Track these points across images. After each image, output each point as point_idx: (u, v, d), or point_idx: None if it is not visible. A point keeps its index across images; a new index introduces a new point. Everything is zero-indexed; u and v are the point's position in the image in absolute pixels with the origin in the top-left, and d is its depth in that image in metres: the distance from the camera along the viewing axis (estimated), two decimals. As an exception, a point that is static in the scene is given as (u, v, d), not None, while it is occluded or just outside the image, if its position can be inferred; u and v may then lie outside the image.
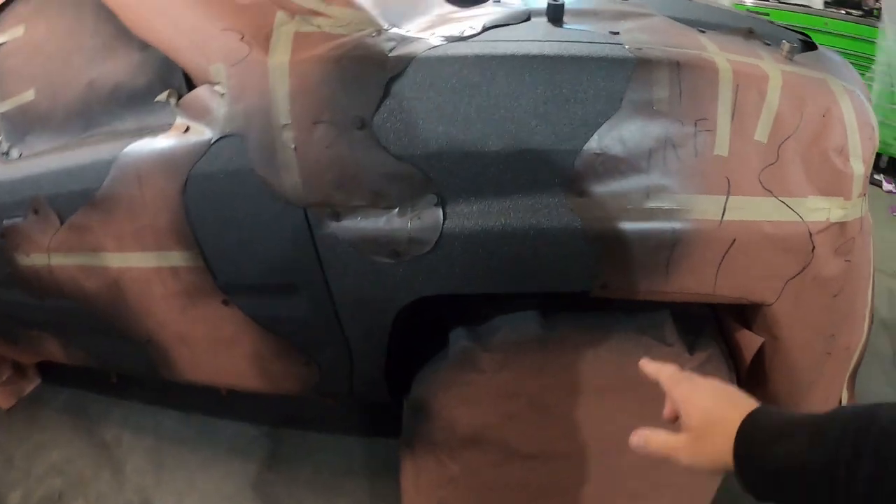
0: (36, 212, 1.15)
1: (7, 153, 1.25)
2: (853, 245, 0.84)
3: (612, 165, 0.78)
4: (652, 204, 0.79)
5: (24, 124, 1.21)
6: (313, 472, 1.54)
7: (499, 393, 0.94)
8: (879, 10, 2.54)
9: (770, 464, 0.43)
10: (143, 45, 0.97)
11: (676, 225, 0.79)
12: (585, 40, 0.82)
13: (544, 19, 0.89)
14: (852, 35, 2.59)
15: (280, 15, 0.85)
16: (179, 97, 0.94)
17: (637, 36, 0.83)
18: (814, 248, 0.81)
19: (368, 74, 0.79)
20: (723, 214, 0.79)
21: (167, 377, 1.39)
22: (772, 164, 0.79)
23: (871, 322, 1.05)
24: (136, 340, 1.27)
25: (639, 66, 0.77)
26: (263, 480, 1.56)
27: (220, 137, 0.88)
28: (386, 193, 0.82)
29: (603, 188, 0.78)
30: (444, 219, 0.81)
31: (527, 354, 0.90)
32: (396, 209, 0.83)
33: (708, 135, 0.78)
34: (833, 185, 0.82)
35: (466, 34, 0.83)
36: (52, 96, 1.15)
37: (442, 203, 0.81)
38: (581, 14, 0.91)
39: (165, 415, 1.89)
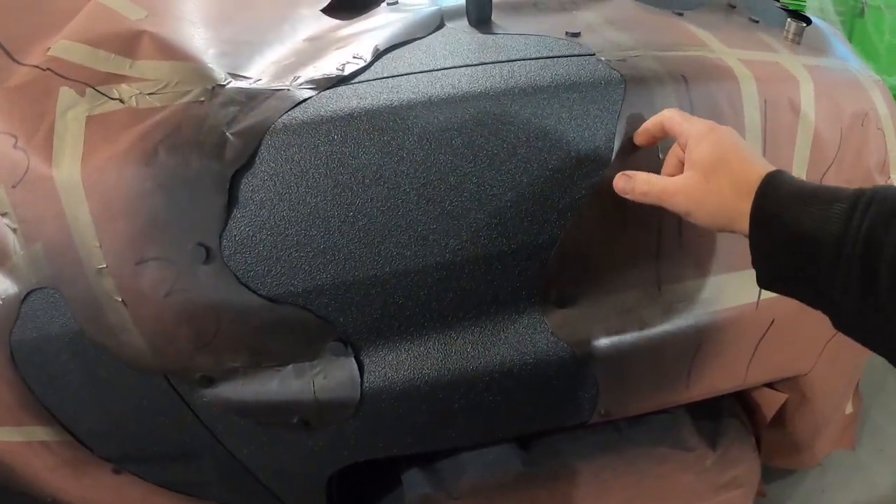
0: None
1: None
2: None
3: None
4: (665, 299, 0.55)
5: None
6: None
7: None
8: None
9: (795, 226, 0.35)
10: None
11: (700, 321, 0.56)
12: (536, 55, 0.54)
13: (464, 23, 0.60)
14: None
15: (65, 94, 0.54)
16: None
17: (610, 36, 0.56)
18: None
19: (201, 174, 0.51)
20: (759, 294, 0.57)
21: None
22: None
23: None
24: (41, 500, 1.04)
25: (631, 91, 0.52)
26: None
27: (29, 292, 0.58)
28: (267, 348, 0.53)
29: (591, 291, 0.55)
30: (362, 372, 0.51)
31: (507, 497, 0.68)
32: (290, 366, 0.53)
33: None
34: None
35: (349, 70, 0.53)
36: None
37: (355, 350, 0.51)
38: (515, 8, 0.62)
39: None
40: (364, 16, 0.66)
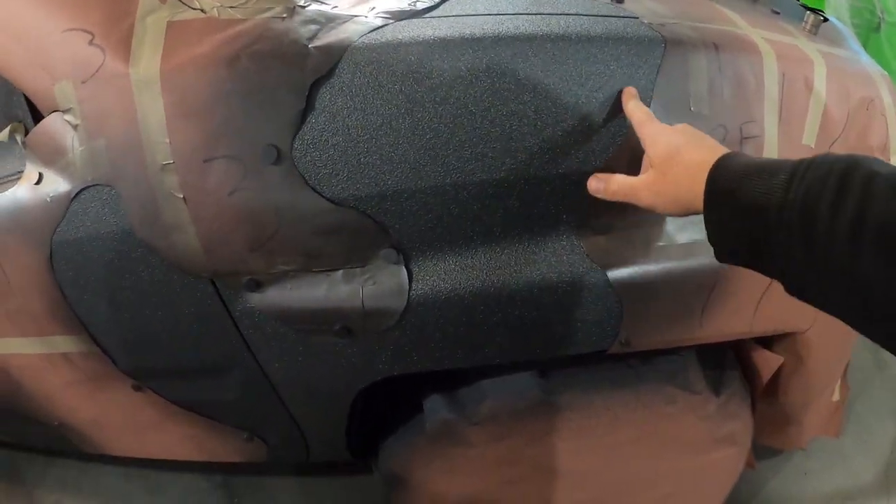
0: None
1: None
2: None
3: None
4: (688, 238, 0.61)
5: None
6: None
7: (495, 462, 0.78)
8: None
9: (743, 199, 0.38)
10: None
11: (714, 265, 0.59)
12: (585, 12, 0.60)
13: None
14: None
15: (141, 8, 0.55)
16: (27, 132, 0.65)
17: (650, 6, 0.63)
18: None
19: (280, 80, 0.55)
20: None
21: (92, 452, 1.14)
22: None
23: None
24: (46, 424, 1.01)
25: (669, 51, 0.58)
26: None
27: (82, 189, 0.59)
28: (322, 252, 0.56)
29: (626, 224, 0.60)
30: (411, 280, 0.55)
31: (525, 424, 0.74)
32: (340, 272, 0.56)
33: (754, 141, 0.61)
34: None
35: (419, 6, 0.59)
36: None
37: (405, 259, 0.55)
38: None
39: (105, 472, 1.65)
40: None
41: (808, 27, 0.72)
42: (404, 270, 0.59)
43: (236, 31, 0.56)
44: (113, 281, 0.66)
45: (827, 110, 0.64)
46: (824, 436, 1.10)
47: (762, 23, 0.69)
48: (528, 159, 0.57)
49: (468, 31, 0.56)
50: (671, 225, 0.61)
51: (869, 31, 1.40)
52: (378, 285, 0.60)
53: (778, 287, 0.67)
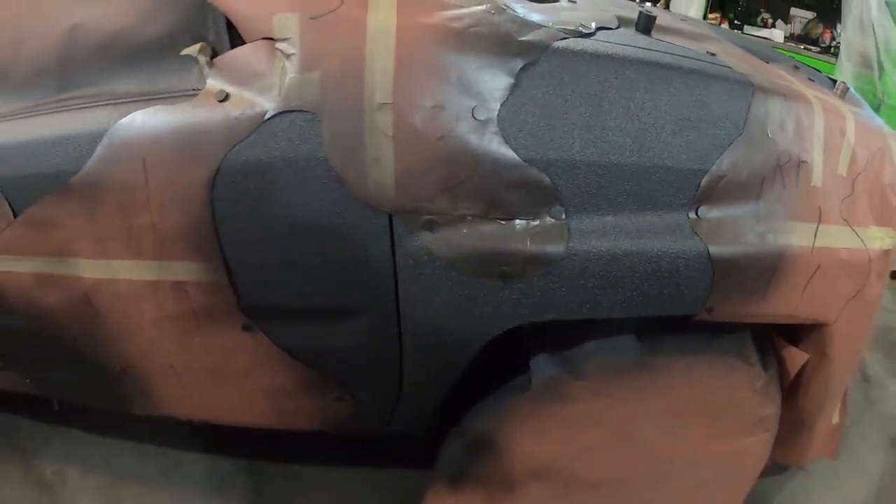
0: None
1: None
2: (888, 270, 0.93)
3: (732, 189, 0.77)
4: (761, 229, 0.78)
5: None
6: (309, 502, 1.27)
7: (584, 422, 0.87)
8: (837, 46, 2.72)
9: None
10: None
11: (779, 250, 0.79)
12: (697, 60, 0.80)
13: (632, 29, 0.85)
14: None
15: None
16: (214, 54, 0.67)
17: (735, 62, 0.84)
18: (870, 272, 0.89)
19: (501, 59, 0.69)
20: (814, 241, 0.81)
21: (140, 411, 1.08)
22: (848, 196, 0.86)
23: None
24: (105, 369, 0.95)
25: (756, 94, 0.78)
26: (250, 513, 1.27)
27: (280, 112, 0.63)
28: (504, 202, 0.65)
29: (721, 212, 0.76)
30: (569, 237, 0.62)
31: (624, 380, 0.84)
32: (515, 221, 0.62)
33: (806, 166, 0.81)
34: (886, 216, 0.91)
35: (587, 29, 0.77)
36: (13, 46, 0.84)
37: (567, 215, 0.63)
38: (664, 29, 0.89)
39: (117, 447, 1.53)
40: (552, 3, 0.89)
41: (838, 92, 0.98)
42: (566, 227, 0.69)
43: (461, 12, 0.70)
44: (279, 208, 0.69)
45: (854, 152, 0.87)
46: (823, 457, 1.25)
47: (807, 84, 0.93)
48: (661, 150, 0.72)
49: (623, 53, 0.74)
50: (749, 217, 0.77)
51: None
52: (543, 236, 0.70)
53: (817, 281, 0.83)
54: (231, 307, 0.79)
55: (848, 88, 0.99)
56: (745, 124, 0.74)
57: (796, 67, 1.03)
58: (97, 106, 0.76)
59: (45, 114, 0.80)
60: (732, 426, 0.91)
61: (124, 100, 0.74)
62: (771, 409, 0.93)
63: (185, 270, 0.77)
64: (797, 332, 0.94)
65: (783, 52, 2.86)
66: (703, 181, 0.73)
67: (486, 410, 0.88)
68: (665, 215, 0.73)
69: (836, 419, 1.19)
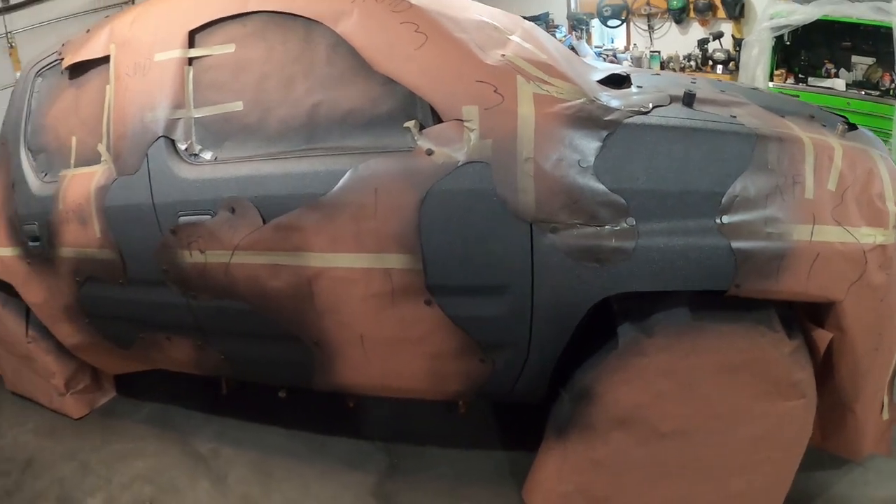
0: (232, 210, 1.55)
1: (197, 155, 1.64)
2: (891, 263, 1.40)
3: (744, 203, 1.32)
4: (769, 230, 1.33)
5: (224, 131, 1.63)
6: (434, 481, 1.86)
7: (656, 373, 1.41)
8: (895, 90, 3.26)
9: None
10: (386, 81, 1.40)
11: (784, 244, 1.32)
12: (720, 121, 1.38)
13: (680, 104, 1.46)
14: (872, 113, 3.41)
15: (520, 78, 1.33)
16: (422, 126, 1.38)
17: (749, 120, 1.42)
18: (866, 261, 1.37)
19: (594, 130, 1.32)
20: (811, 236, 1.34)
21: (317, 383, 1.74)
22: (839, 204, 1.37)
23: None
24: (302, 342, 1.62)
25: (758, 141, 1.35)
26: (384, 490, 1.86)
27: (467, 163, 1.31)
28: (598, 215, 1.29)
29: (738, 218, 1.32)
30: (638, 236, 1.26)
31: (681, 339, 1.38)
32: (605, 227, 1.26)
33: (800, 185, 1.35)
34: (876, 219, 1.39)
35: (647, 110, 1.38)
36: (265, 111, 1.58)
37: (636, 223, 1.25)
38: (701, 101, 1.49)
39: (267, 431, 2.19)
40: (625, 88, 1.55)
41: (838, 132, 1.50)
42: (636, 230, 1.30)
43: (569, 104, 1.34)
44: (463, 218, 1.35)
45: (842, 173, 1.38)
46: (877, 453, 1.63)
47: (808, 128, 1.46)
48: (690, 181, 1.31)
49: (667, 122, 1.34)
50: (759, 222, 1.30)
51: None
52: (622, 236, 1.30)
53: (820, 264, 1.38)
54: (420, 286, 1.42)
55: (849, 129, 1.52)
56: (749, 161, 1.30)
57: (812, 117, 1.57)
58: (336, 155, 1.46)
59: (295, 158, 1.50)
60: (770, 387, 1.38)
61: (357, 152, 1.44)
62: (802, 374, 1.39)
63: (393, 260, 1.43)
64: (822, 320, 1.42)
65: (845, 99, 3.47)
66: (724, 199, 1.29)
67: (587, 368, 1.45)
68: (699, 221, 1.30)
69: (885, 415, 1.57)
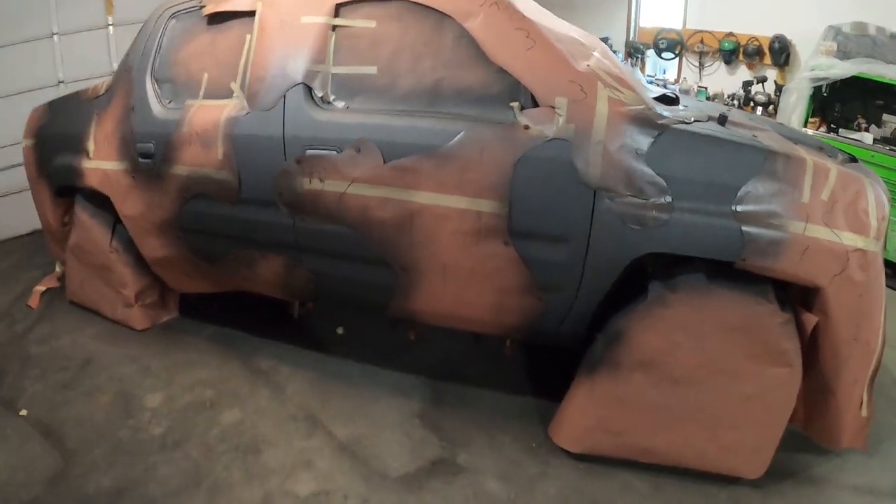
0: (358, 150, 2.21)
1: (330, 102, 2.31)
2: (869, 266, 2.01)
3: (754, 198, 1.97)
4: (771, 220, 1.97)
5: (357, 88, 2.31)
6: (472, 415, 2.47)
7: (674, 324, 2.04)
8: (921, 149, 3.98)
9: None
10: (499, 70, 2.06)
11: (782, 233, 1.96)
12: (744, 139, 2.06)
13: (715, 122, 2.15)
14: (894, 168, 4.04)
15: (599, 83, 2.01)
16: (521, 108, 2.03)
17: (767, 140, 2.10)
18: (848, 259, 1.99)
19: (649, 129, 1.99)
20: (804, 231, 1.97)
21: (393, 307, 2.40)
22: (829, 211, 2.01)
23: (884, 343, 2.06)
24: (391, 268, 2.24)
25: (770, 155, 2.01)
26: (428, 414, 2.48)
27: (554, 138, 1.97)
28: (644, 190, 1.97)
29: (748, 208, 1.97)
30: (672, 210, 1.91)
31: (696, 297, 2.03)
32: (650, 200, 1.91)
33: (799, 191, 2.00)
34: (859, 228, 2.01)
35: (688, 121, 2.06)
36: (394, 77, 2.26)
37: (672, 201, 1.92)
38: (731, 122, 2.19)
39: (323, 358, 2.81)
40: (675, 105, 2.27)
41: (839, 161, 2.18)
42: (671, 204, 1.94)
43: (633, 108, 2.02)
44: (545, 179, 2.00)
45: (834, 188, 2.02)
46: (854, 447, 2.09)
47: (814, 154, 2.13)
48: (716, 174, 1.96)
49: (704, 132, 2.02)
50: (765, 214, 1.93)
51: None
52: (660, 208, 1.95)
53: (810, 254, 2.11)
54: (502, 229, 2.06)
55: (849, 160, 2.19)
56: (761, 169, 1.94)
57: (821, 149, 2.25)
58: (453, 119, 2.11)
59: (418, 116, 2.16)
60: (762, 350, 1.98)
61: (469, 119, 2.08)
62: (789, 344, 1.99)
63: (485, 205, 2.06)
64: (810, 307, 2.03)
65: (870, 152, 4.19)
66: (739, 192, 1.91)
67: (621, 315, 2.08)
68: (718, 206, 1.92)
69: (864, 412, 2.04)
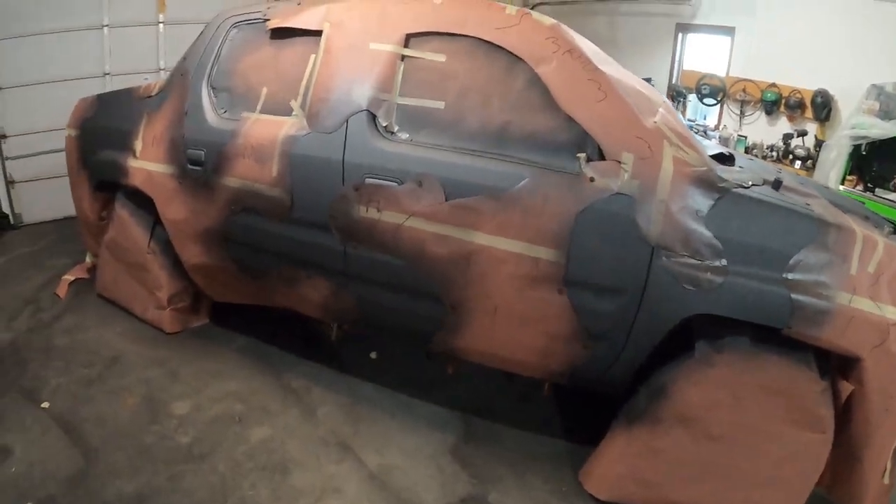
0: (420, 184, 2.25)
1: (394, 133, 2.36)
2: None
3: (805, 267, 2.03)
4: (820, 290, 2.03)
5: (422, 121, 2.36)
6: (502, 453, 2.51)
7: (717, 383, 2.10)
8: (955, 213, 4.03)
9: None
10: (567, 119, 2.11)
11: (829, 304, 2.02)
12: (799, 207, 2.12)
13: (770, 186, 2.21)
14: None
15: (665, 142, 2.06)
16: (588, 159, 2.06)
17: (820, 209, 2.17)
18: (888, 333, 2.05)
19: (710, 192, 2.07)
20: (850, 302, 2.04)
21: (437, 341, 2.41)
22: (874, 283, 2.07)
23: None
24: (440, 302, 2.27)
25: (823, 225, 2.08)
26: (460, 449, 2.52)
27: (618, 193, 2.00)
28: (701, 251, 2.03)
29: (799, 277, 2.03)
30: (727, 273, 1.98)
31: (741, 359, 2.08)
32: (706, 261, 1.96)
33: (848, 263, 2.06)
34: None
35: (746, 185, 2.13)
36: (461, 114, 2.32)
37: (727, 264, 1.99)
38: (785, 187, 2.25)
39: (356, 382, 2.84)
40: (732, 166, 2.35)
41: (885, 232, 2.26)
42: (726, 267, 2.00)
43: (696, 169, 2.08)
44: (606, 231, 2.06)
45: (881, 261, 2.09)
46: None
47: (862, 224, 2.20)
48: (775, 244, 2.01)
49: (761, 198, 2.08)
50: (814, 284, 1.99)
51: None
52: (715, 271, 2.01)
53: (853, 325, 2.19)
54: (558, 277, 2.11)
55: (892, 232, 2.26)
56: (814, 239, 2.00)
57: (867, 218, 2.33)
58: (518, 163, 2.17)
59: (484, 157, 2.22)
60: (799, 415, 2.04)
61: (534, 165, 2.14)
62: (825, 412, 2.05)
63: (543, 252, 2.11)
64: (847, 375, 2.08)
65: (904, 212, 4.25)
66: (791, 260, 1.98)
67: (666, 370, 2.14)
68: (770, 273, 1.99)
69: (886, 479, 2.10)
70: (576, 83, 2.15)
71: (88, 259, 3.64)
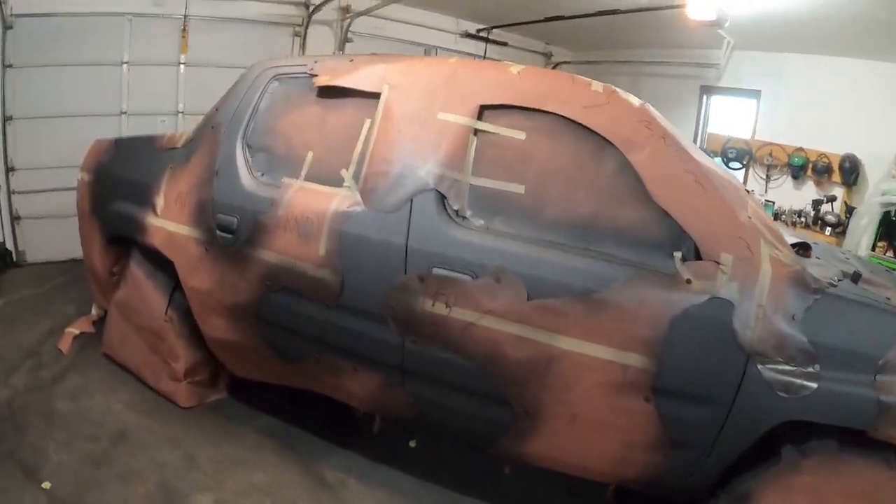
0: (497, 280, 2.06)
1: (466, 218, 2.16)
2: None
3: (892, 369, 1.90)
4: None
5: (498, 206, 2.17)
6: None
7: (802, 488, 1.96)
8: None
9: None
10: (662, 213, 1.95)
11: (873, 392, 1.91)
12: (885, 305, 2.02)
13: (849, 280, 2.12)
14: None
15: (762, 240, 1.95)
16: (684, 259, 1.90)
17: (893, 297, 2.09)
18: None
19: (806, 294, 1.95)
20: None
21: (502, 447, 2.18)
22: None
23: None
24: (510, 407, 2.06)
25: None
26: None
27: (715, 297, 1.84)
28: (795, 357, 1.91)
29: (887, 379, 1.90)
30: (821, 379, 1.88)
31: (826, 463, 1.95)
32: (799, 368, 1.86)
33: None
34: None
35: (834, 283, 2.03)
36: (542, 201, 2.14)
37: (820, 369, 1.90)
38: (864, 280, 2.15)
39: (395, 475, 2.59)
40: (812, 258, 2.23)
41: None
42: (819, 372, 1.87)
43: (792, 269, 1.97)
44: (699, 339, 1.90)
45: None
46: None
47: None
48: (857, 343, 1.90)
49: (847, 296, 1.97)
50: None
51: None
52: (808, 376, 1.87)
53: None
54: (646, 385, 1.96)
55: None
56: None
57: None
58: (608, 261, 2.01)
59: (570, 253, 2.04)
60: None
61: (626, 264, 1.99)
62: None
63: (633, 359, 1.96)
64: None
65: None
66: (880, 362, 1.87)
67: (750, 476, 2.00)
68: (859, 375, 1.87)
69: None
70: (671, 174, 2.02)
71: (94, 311, 3.41)
